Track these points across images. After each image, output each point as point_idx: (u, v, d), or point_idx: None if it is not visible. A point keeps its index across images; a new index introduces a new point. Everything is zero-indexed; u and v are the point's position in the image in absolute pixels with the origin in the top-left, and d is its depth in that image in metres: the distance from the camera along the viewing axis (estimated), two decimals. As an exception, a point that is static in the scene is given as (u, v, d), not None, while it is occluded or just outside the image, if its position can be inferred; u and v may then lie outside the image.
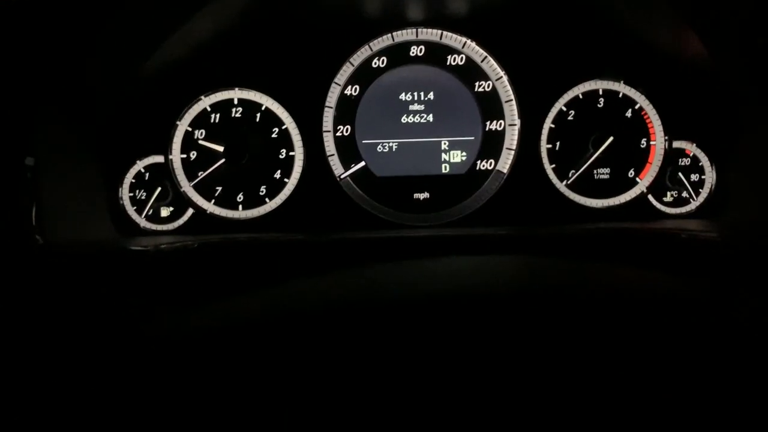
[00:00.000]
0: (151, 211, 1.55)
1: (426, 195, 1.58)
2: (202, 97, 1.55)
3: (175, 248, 1.35)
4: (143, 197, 1.55)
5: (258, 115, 1.56)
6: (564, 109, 1.55)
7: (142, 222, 1.55)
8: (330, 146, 1.57)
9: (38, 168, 1.25)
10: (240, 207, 1.57)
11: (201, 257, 1.32)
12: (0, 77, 1.20)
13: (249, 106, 1.56)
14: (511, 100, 1.56)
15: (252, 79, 1.56)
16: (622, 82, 1.54)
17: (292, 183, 1.56)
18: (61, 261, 1.21)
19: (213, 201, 1.56)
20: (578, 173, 1.54)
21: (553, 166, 1.55)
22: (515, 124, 1.56)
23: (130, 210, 1.54)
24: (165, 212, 1.56)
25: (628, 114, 1.54)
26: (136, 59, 1.37)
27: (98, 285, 1.08)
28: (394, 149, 1.59)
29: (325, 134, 1.56)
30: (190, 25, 1.36)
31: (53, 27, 1.21)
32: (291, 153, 1.57)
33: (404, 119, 1.59)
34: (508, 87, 1.55)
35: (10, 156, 1.23)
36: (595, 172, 1.55)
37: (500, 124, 1.57)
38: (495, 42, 1.55)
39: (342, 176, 1.57)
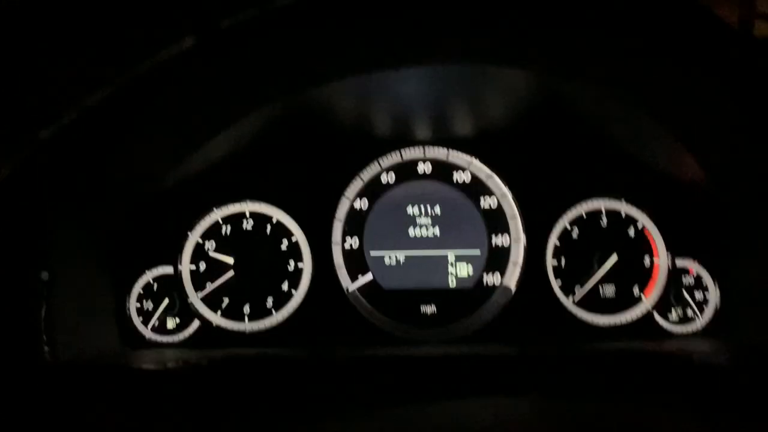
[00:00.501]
0: (157, 322, 1.54)
1: (433, 309, 1.59)
2: (215, 209, 1.58)
3: (181, 366, 1.34)
4: (150, 308, 1.55)
5: (269, 227, 1.59)
6: (568, 226, 1.58)
7: (148, 333, 1.54)
8: (338, 258, 1.59)
9: (51, 280, 1.26)
10: (246, 319, 1.56)
11: (208, 375, 1.30)
12: (19, 189, 1.23)
13: (260, 218, 1.59)
14: (516, 216, 1.59)
15: (264, 192, 1.60)
16: (623, 200, 1.58)
17: (299, 295, 1.57)
18: (66, 377, 1.20)
19: (219, 313, 1.56)
20: (584, 290, 1.55)
21: (559, 282, 1.57)
22: (521, 240, 1.59)
23: (137, 321, 1.54)
24: (171, 324, 1.56)
25: (631, 232, 1.58)
26: (154, 175, 1.41)
27: (104, 405, 1.07)
28: (401, 262, 1.61)
29: (333, 246, 1.59)
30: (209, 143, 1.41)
31: (76, 142, 1.25)
32: (300, 265, 1.58)
33: (411, 232, 1.62)
34: (513, 204, 1.60)
35: (25, 268, 1.25)
36: (600, 289, 1.57)
37: (506, 239, 1.60)
38: (499, 161, 1.61)
39: (350, 289, 1.58)
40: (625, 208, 1.58)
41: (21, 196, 1.24)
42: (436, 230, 1.62)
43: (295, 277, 1.58)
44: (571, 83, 1.34)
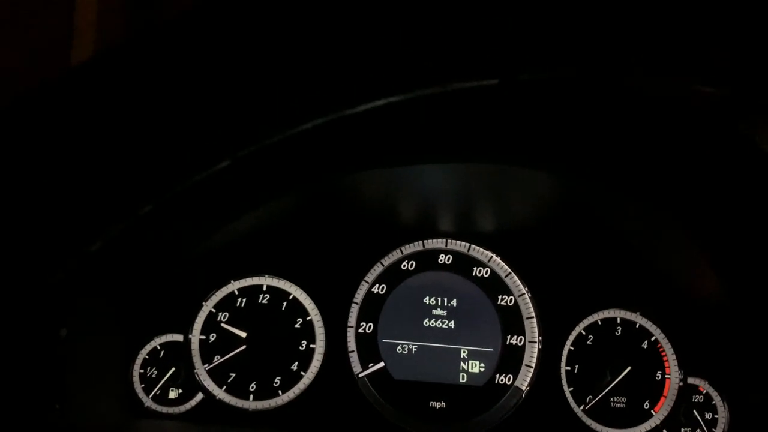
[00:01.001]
0: (159, 391, 1.49)
1: (442, 404, 1.56)
2: (232, 281, 1.56)
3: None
4: (154, 375, 1.50)
5: (284, 303, 1.57)
6: (583, 333, 1.59)
7: (147, 402, 1.48)
8: (351, 342, 1.57)
9: (67, 341, 1.22)
10: (251, 397, 1.52)
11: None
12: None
13: (277, 293, 1.58)
14: (533, 317, 1.60)
15: (284, 268, 1.59)
16: (638, 313, 1.60)
17: (308, 377, 1.54)
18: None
19: (224, 388, 1.51)
20: (595, 400, 1.54)
21: (571, 389, 1.56)
22: (535, 342, 1.58)
23: (138, 388, 1.48)
24: (173, 394, 1.51)
25: (645, 345, 1.58)
26: (176, 250, 1.39)
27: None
28: (413, 352, 1.59)
29: (348, 329, 1.57)
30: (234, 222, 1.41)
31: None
32: (311, 345, 1.56)
33: (426, 323, 1.61)
34: (530, 304, 1.60)
35: (44, 325, 1.21)
36: (611, 399, 1.55)
37: (520, 339, 1.60)
38: (519, 259, 1.63)
39: (360, 375, 1.55)
40: (640, 320, 1.60)
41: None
42: (451, 323, 1.61)
43: (305, 358, 1.55)
44: (595, 189, 1.38)
